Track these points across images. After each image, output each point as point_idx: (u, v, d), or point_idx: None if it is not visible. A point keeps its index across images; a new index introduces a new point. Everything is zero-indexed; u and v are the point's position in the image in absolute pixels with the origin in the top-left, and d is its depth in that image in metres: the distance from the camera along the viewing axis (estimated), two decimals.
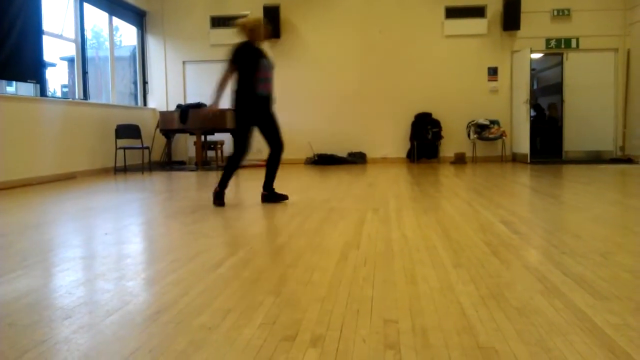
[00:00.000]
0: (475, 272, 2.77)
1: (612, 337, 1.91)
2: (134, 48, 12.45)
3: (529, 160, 10.81)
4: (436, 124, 11.65)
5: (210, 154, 11.65)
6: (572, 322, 2.05)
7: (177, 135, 11.64)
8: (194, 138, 10.90)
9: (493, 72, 11.75)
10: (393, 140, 11.97)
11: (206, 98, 6.62)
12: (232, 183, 7.05)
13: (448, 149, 11.75)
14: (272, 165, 5.62)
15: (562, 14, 11.48)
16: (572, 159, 11.51)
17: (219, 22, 12.05)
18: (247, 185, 7.55)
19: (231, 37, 11.98)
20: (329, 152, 11.76)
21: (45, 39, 8.50)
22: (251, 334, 2.01)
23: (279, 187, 7.25)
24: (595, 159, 11.41)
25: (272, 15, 11.65)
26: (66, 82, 15.29)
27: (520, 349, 1.82)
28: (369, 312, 2.20)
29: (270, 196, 5.61)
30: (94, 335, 2.01)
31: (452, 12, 11.70)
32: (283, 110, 12.01)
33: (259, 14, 11.68)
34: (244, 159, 5.45)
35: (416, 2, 11.78)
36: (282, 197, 5.64)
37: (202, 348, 1.89)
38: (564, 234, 3.73)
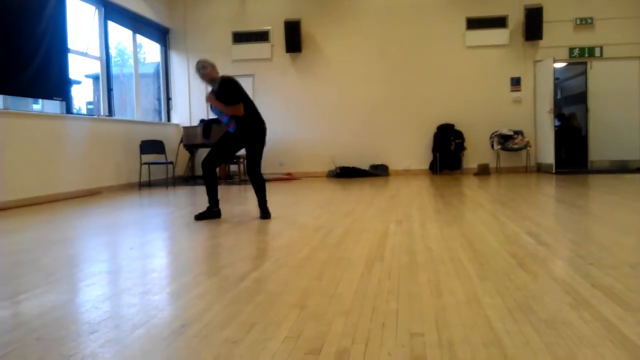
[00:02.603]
0: (501, 285, 2.73)
1: None
2: (158, 65, 12.61)
3: (554, 171, 10.68)
4: (459, 135, 11.59)
5: (233, 168, 11.73)
6: (601, 334, 2.02)
7: (201, 150, 11.72)
8: None
9: (516, 82, 11.66)
10: (415, 152, 11.92)
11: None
12: (254, 197, 7.06)
13: (471, 160, 11.67)
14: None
15: (585, 23, 11.37)
16: (598, 168, 11.34)
17: (240, 37, 12.16)
18: (269, 199, 7.56)
19: (253, 52, 12.17)
20: (351, 165, 11.74)
21: (71, 57, 8.65)
22: (276, 347, 2.00)
23: (301, 199, 7.27)
24: (621, 168, 11.24)
25: (293, 29, 11.74)
26: (91, 99, 15.54)
27: None
28: (394, 325, 2.19)
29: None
30: (120, 350, 2.03)
31: (473, 23, 11.66)
32: (305, 124, 12.11)
33: (280, 29, 11.83)
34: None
35: (437, 14, 11.78)
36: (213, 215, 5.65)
37: None
38: (591, 244, 3.67)
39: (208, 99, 5.48)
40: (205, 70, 5.46)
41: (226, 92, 5.42)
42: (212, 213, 5.57)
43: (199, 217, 5.52)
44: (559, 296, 2.51)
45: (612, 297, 2.45)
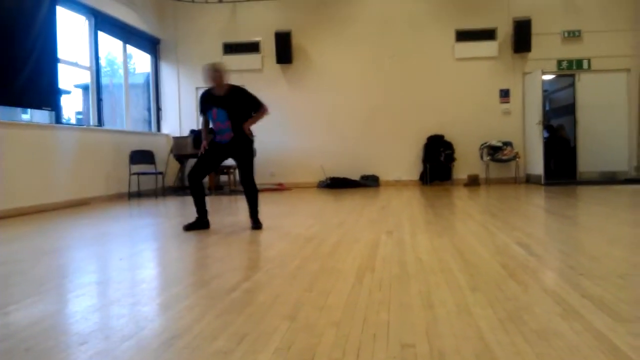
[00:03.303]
0: (492, 295, 2.74)
1: (635, 359, 1.88)
2: (148, 75, 12.59)
3: (543, 182, 10.74)
4: (449, 146, 11.64)
5: (223, 178, 11.70)
6: (592, 345, 2.02)
7: (191, 161, 11.69)
8: None
9: (505, 94, 11.74)
10: (406, 162, 11.95)
11: None
12: (244, 207, 7.08)
13: (461, 171, 11.71)
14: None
15: (572, 36, 11.48)
16: (587, 179, 11.41)
17: (231, 48, 12.18)
18: (260, 209, 7.55)
19: (244, 63, 12.17)
20: (341, 175, 11.75)
21: (61, 67, 8.63)
22: (267, 359, 1.99)
23: (292, 210, 7.26)
24: (610, 179, 11.32)
25: (283, 40, 11.78)
26: (81, 109, 15.45)
27: None
28: (385, 337, 2.18)
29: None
30: None
31: (463, 35, 11.74)
32: (296, 135, 12.12)
33: (270, 40, 11.86)
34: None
35: (427, 26, 11.85)
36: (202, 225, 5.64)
37: None
38: (581, 255, 3.69)
39: (248, 126, 5.54)
40: (219, 73, 5.47)
41: (244, 98, 5.55)
42: (201, 223, 5.54)
43: (188, 227, 5.49)
44: (550, 307, 2.52)
45: (602, 308, 2.46)
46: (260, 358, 2.00)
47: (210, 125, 5.66)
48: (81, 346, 2.17)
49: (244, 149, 5.56)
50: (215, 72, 5.47)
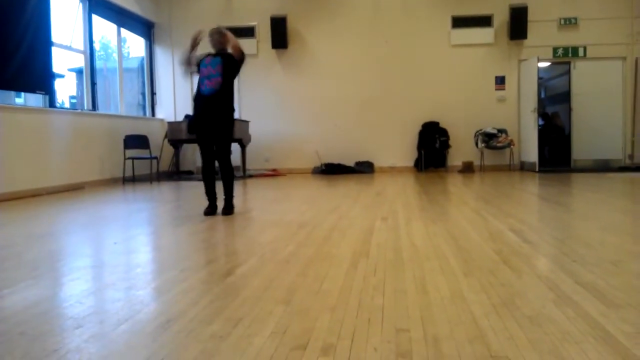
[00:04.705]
0: (486, 281, 2.75)
1: (626, 345, 1.89)
2: (142, 59, 12.51)
3: (537, 169, 10.77)
4: (444, 132, 11.64)
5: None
6: (585, 330, 2.04)
7: (185, 146, 11.67)
8: None
9: (500, 81, 11.74)
10: (400, 149, 11.96)
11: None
12: (239, 192, 7.12)
13: (456, 157, 11.73)
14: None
15: (569, 23, 11.47)
16: (581, 167, 11.46)
17: None
18: (254, 194, 7.56)
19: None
20: (336, 161, 11.76)
21: (54, 50, 8.57)
22: (262, 343, 2.00)
23: (287, 195, 7.27)
24: (604, 167, 11.36)
25: (279, 25, 11.71)
26: (75, 93, 15.36)
27: (533, 358, 1.81)
28: (380, 321, 2.19)
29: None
30: (105, 345, 2.01)
31: (459, 22, 11.71)
32: (291, 120, 12.10)
33: (266, 24, 11.80)
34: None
35: (423, 12, 11.81)
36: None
37: (213, 357, 1.88)
38: (574, 242, 3.71)
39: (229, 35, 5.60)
40: (225, 37, 5.63)
41: (236, 65, 5.61)
42: (213, 208, 5.60)
43: (207, 212, 5.52)
44: (543, 293, 2.53)
45: (595, 294, 2.48)
46: (255, 342, 2.01)
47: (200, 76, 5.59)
48: (76, 330, 2.17)
49: (226, 126, 5.56)
50: (221, 36, 5.58)
